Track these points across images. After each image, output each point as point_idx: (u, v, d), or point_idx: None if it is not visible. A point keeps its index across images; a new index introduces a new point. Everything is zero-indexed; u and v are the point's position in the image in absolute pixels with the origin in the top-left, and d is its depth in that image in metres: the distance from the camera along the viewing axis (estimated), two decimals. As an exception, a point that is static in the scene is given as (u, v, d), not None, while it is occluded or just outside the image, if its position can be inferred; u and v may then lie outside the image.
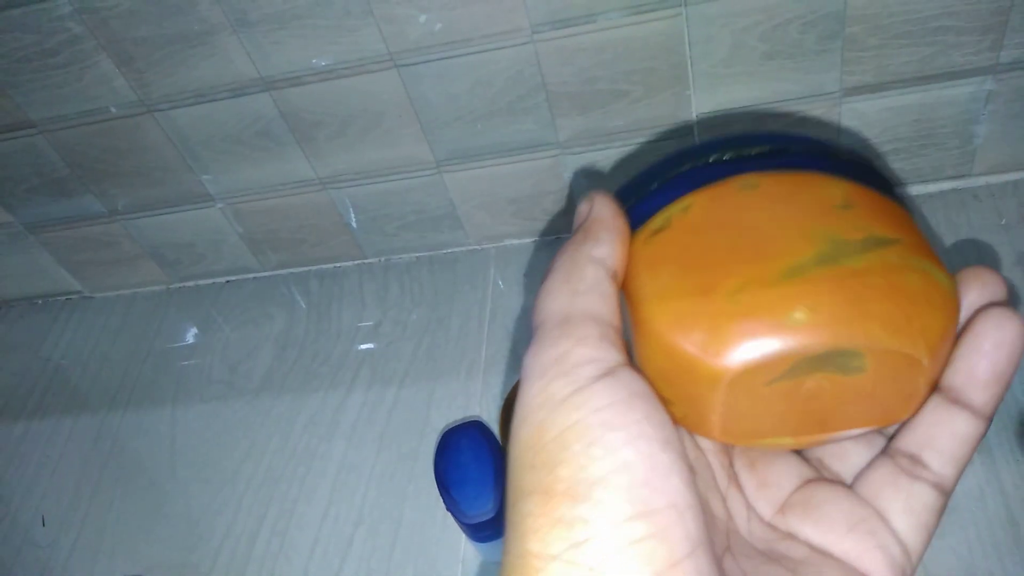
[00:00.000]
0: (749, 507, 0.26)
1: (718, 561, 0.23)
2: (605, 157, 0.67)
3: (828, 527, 0.25)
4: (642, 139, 0.65)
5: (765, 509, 0.26)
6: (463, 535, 0.59)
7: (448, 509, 0.53)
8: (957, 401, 0.24)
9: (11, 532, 0.71)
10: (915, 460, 0.25)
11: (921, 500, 0.25)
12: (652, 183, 0.26)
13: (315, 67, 0.63)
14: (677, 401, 0.24)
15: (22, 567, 0.68)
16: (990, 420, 0.24)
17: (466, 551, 0.59)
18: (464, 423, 0.56)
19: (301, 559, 0.62)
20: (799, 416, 0.24)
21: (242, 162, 0.71)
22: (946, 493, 0.25)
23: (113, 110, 0.68)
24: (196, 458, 0.70)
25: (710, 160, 0.26)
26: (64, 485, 0.72)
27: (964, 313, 0.24)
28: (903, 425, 0.25)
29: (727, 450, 0.27)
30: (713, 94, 0.62)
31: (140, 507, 0.69)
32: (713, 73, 0.61)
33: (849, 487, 0.26)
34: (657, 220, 0.25)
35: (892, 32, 0.57)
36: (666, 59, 0.60)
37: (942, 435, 0.24)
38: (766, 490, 0.26)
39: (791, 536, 0.25)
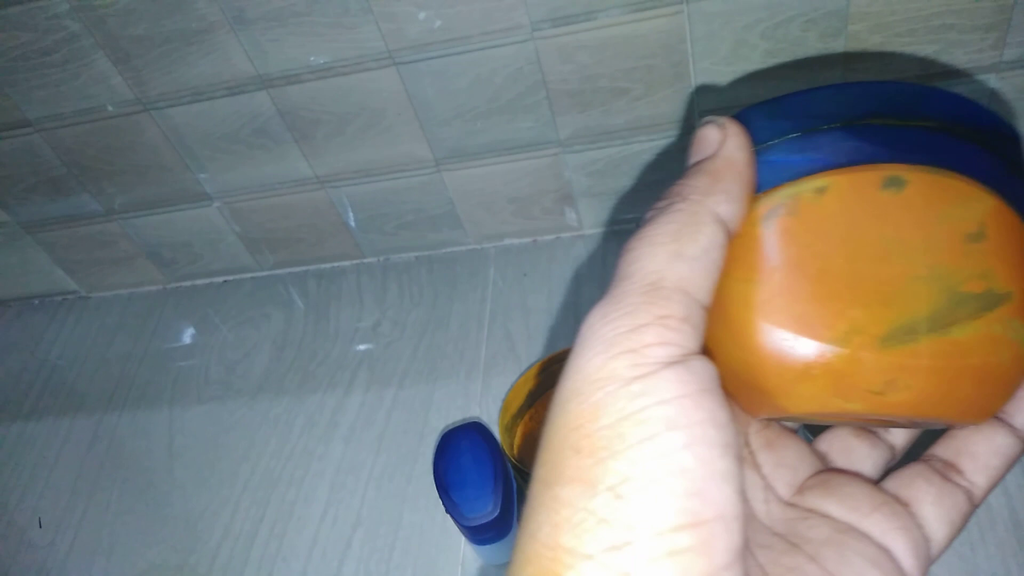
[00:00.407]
0: (767, 488, 0.25)
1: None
2: (606, 155, 0.67)
3: (852, 505, 0.24)
4: (643, 138, 0.65)
5: (783, 490, 0.25)
6: (462, 537, 0.58)
7: (447, 511, 0.53)
8: (1000, 418, 0.24)
9: (8, 533, 0.70)
10: (950, 465, 0.25)
11: (952, 497, 0.24)
12: (790, 128, 0.23)
13: (313, 65, 0.63)
14: (730, 386, 0.23)
15: (19, 568, 0.68)
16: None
17: (465, 553, 0.59)
18: (464, 424, 0.56)
19: (299, 561, 0.62)
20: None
21: (239, 161, 0.71)
22: (974, 502, 0.25)
23: (110, 108, 0.68)
24: (194, 459, 0.70)
25: (866, 121, 0.22)
26: (61, 486, 0.72)
27: None
28: (944, 434, 0.25)
29: (744, 430, 0.26)
30: (714, 92, 0.62)
31: (137, 508, 0.69)
32: (714, 71, 0.60)
33: (865, 479, 0.26)
34: (784, 192, 0.22)
35: (895, 30, 0.57)
36: (667, 57, 0.60)
37: (980, 445, 0.24)
38: (783, 470, 0.25)
39: (813, 513, 0.24)
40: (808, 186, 0.22)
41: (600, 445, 0.19)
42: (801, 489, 0.25)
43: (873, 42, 0.58)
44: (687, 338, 0.20)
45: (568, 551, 0.19)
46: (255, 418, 0.71)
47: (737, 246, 0.22)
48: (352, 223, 0.76)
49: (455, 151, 0.68)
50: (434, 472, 0.54)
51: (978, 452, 0.24)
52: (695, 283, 0.21)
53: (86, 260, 0.83)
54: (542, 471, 0.20)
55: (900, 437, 0.27)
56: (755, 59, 0.59)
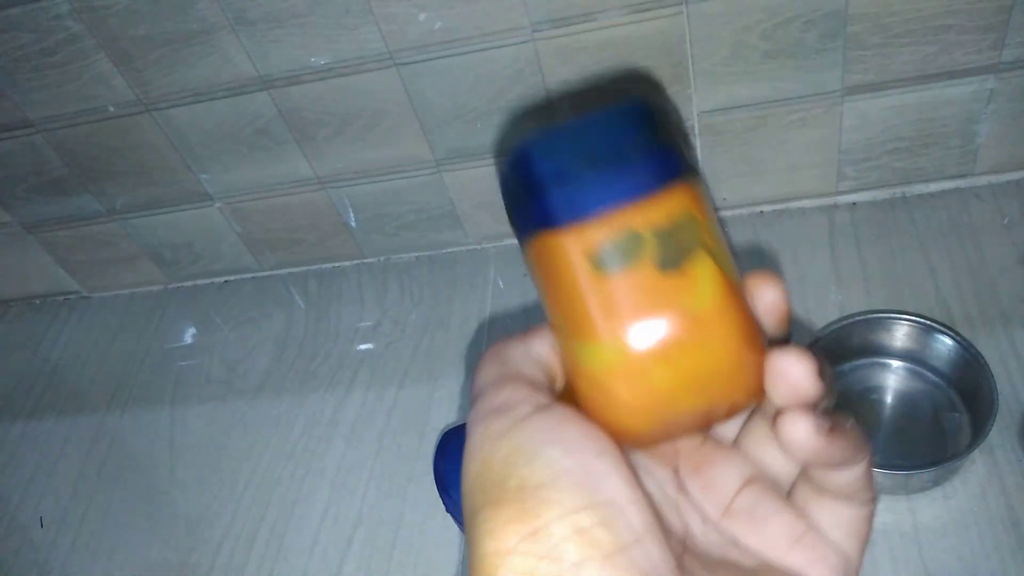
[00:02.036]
0: (701, 513, 0.28)
1: (676, 554, 0.24)
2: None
3: (773, 543, 0.26)
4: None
5: (712, 512, 0.27)
6: (462, 536, 0.58)
7: (447, 510, 0.53)
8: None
9: (9, 533, 0.70)
10: (823, 489, 0.26)
11: (846, 513, 0.26)
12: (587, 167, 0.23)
13: (314, 66, 0.63)
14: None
15: (21, 567, 0.68)
16: (868, 458, 0.25)
17: (465, 552, 0.59)
18: (463, 424, 0.56)
19: (300, 559, 0.62)
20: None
21: (241, 161, 0.71)
22: (868, 504, 0.26)
23: (111, 109, 0.68)
24: (195, 458, 0.70)
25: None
26: (62, 486, 0.72)
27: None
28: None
29: (671, 461, 0.28)
30: (714, 93, 0.62)
31: (139, 508, 0.69)
32: (714, 72, 0.61)
33: (787, 497, 0.27)
34: (608, 239, 0.23)
35: (894, 31, 0.57)
36: (667, 58, 0.60)
37: (827, 483, 0.25)
38: (710, 493, 0.28)
39: (737, 543, 0.27)
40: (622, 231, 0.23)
41: (497, 477, 0.23)
42: (728, 511, 0.27)
43: (872, 43, 0.58)
44: (541, 396, 0.25)
45: (493, 553, 0.22)
46: (256, 417, 0.71)
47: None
48: (353, 223, 0.76)
49: (455, 151, 0.68)
50: (434, 471, 0.54)
51: (839, 480, 0.25)
52: (530, 372, 0.26)
53: (88, 260, 0.83)
54: (466, 517, 0.24)
55: None
56: (755, 60, 0.59)
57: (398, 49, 0.61)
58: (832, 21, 0.57)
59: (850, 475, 0.25)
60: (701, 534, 0.27)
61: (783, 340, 0.25)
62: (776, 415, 0.23)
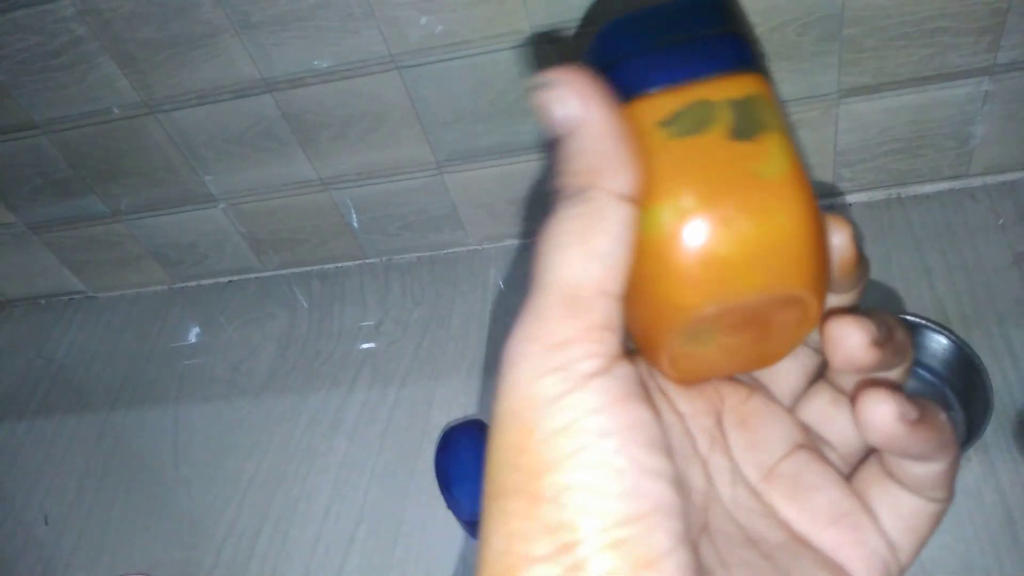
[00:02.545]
0: (735, 469, 0.26)
1: (695, 549, 0.22)
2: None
3: (812, 515, 0.24)
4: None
5: (752, 473, 0.25)
6: (464, 533, 0.59)
7: (449, 507, 0.53)
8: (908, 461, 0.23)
9: (14, 531, 0.71)
10: (892, 475, 0.24)
11: (910, 505, 0.24)
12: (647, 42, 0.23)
13: (317, 69, 0.63)
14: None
15: (25, 565, 0.68)
16: (952, 457, 0.23)
17: (467, 549, 0.59)
18: (465, 422, 0.56)
19: (303, 557, 0.62)
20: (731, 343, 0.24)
21: (244, 163, 0.71)
22: (940, 502, 0.24)
23: (116, 111, 0.68)
24: (198, 457, 0.71)
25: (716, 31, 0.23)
26: (67, 484, 0.73)
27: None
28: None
29: (714, 410, 0.26)
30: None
31: (143, 505, 0.69)
32: (712, 74, 0.61)
33: (840, 476, 0.25)
34: (681, 102, 0.22)
35: (889, 33, 0.57)
36: (665, 60, 0.60)
37: (908, 475, 0.24)
38: (755, 452, 0.26)
39: (773, 513, 0.25)
40: (697, 95, 0.22)
41: (537, 460, 0.20)
42: (771, 474, 0.25)
43: (868, 45, 0.58)
44: (609, 345, 0.21)
45: (521, 556, 0.20)
46: (260, 416, 0.72)
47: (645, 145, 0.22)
48: (355, 224, 0.76)
49: (457, 153, 0.69)
50: (436, 469, 0.54)
51: (914, 474, 0.23)
52: (611, 280, 0.21)
53: (93, 261, 0.84)
54: (490, 486, 0.21)
55: None
56: (752, 62, 0.60)
57: (400, 52, 0.62)
58: (828, 24, 0.57)
59: (929, 470, 0.23)
60: (729, 495, 0.25)
61: (850, 308, 0.25)
62: (856, 390, 0.22)
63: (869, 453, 0.26)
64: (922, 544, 0.24)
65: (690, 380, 0.26)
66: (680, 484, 0.21)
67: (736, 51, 0.23)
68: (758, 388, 0.27)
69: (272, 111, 0.67)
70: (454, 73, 0.62)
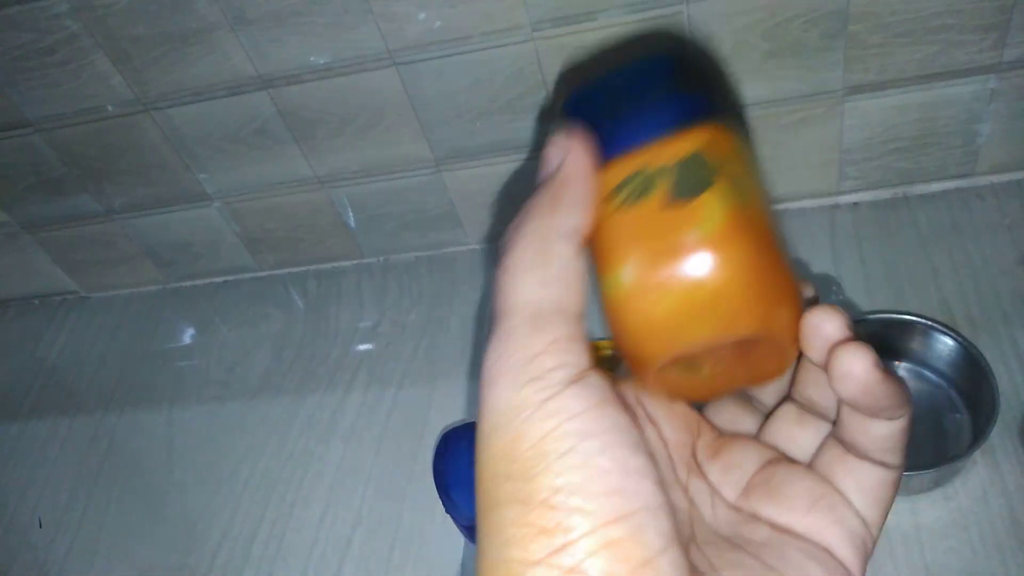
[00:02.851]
0: (714, 493, 0.27)
1: (686, 550, 0.24)
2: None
3: (789, 506, 0.26)
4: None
5: (730, 492, 0.27)
6: (462, 537, 0.58)
7: (447, 511, 0.53)
8: (869, 416, 0.25)
9: (8, 534, 0.70)
10: (855, 450, 0.26)
11: (872, 476, 0.25)
12: (625, 103, 0.25)
13: (313, 65, 0.63)
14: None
15: (19, 568, 0.68)
16: (907, 414, 0.24)
17: (465, 553, 0.59)
18: (463, 424, 0.56)
19: (299, 561, 0.62)
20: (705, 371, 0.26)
21: (240, 161, 0.71)
22: (895, 469, 0.25)
23: (110, 108, 0.68)
24: (193, 459, 0.70)
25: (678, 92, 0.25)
26: (61, 486, 0.72)
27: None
28: (837, 419, 0.26)
29: (690, 442, 0.28)
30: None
31: (137, 509, 0.69)
32: (714, 71, 0.60)
33: (807, 467, 0.27)
34: (632, 172, 0.24)
35: (895, 30, 0.57)
36: (667, 57, 0.60)
37: (867, 437, 0.25)
38: (730, 473, 0.27)
39: (755, 517, 0.26)
40: (649, 158, 0.24)
41: (526, 468, 0.21)
42: (747, 489, 0.27)
43: (873, 42, 0.58)
44: (578, 355, 0.22)
45: (519, 561, 0.21)
46: (255, 418, 0.71)
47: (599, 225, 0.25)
48: (352, 223, 0.76)
49: (455, 151, 0.68)
50: (434, 472, 0.54)
51: (867, 442, 0.25)
52: (567, 300, 0.23)
53: (86, 260, 0.83)
54: (481, 500, 0.22)
55: (833, 409, 0.28)
56: (755, 59, 0.59)
57: (397, 48, 0.61)
58: (833, 20, 0.57)
59: (888, 429, 0.24)
60: (711, 515, 0.27)
61: (811, 301, 0.26)
62: (832, 348, 0.23)
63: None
64: (886, 514, 0.26)
65: (680, 398, 0.28)
66: (664, 486, 0.22)
67: (680, 109, 0.25)
68: (724, 431, 0.29)
69: (268, 108, 0.66)
70: (453, 69, 0.62)
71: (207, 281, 0.84)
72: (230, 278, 0.83)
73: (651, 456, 0.22)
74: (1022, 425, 0.54)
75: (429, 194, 0.72)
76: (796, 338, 0.24)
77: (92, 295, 0.87)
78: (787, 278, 0.24)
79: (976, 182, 0.67)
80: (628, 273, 0.24)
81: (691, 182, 0.23)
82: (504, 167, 0.69)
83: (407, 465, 0.64)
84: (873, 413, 0.24)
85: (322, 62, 0.63)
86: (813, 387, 0.27)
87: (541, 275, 0.23)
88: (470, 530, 0.52)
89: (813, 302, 0.26)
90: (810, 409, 0.28)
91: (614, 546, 0.20)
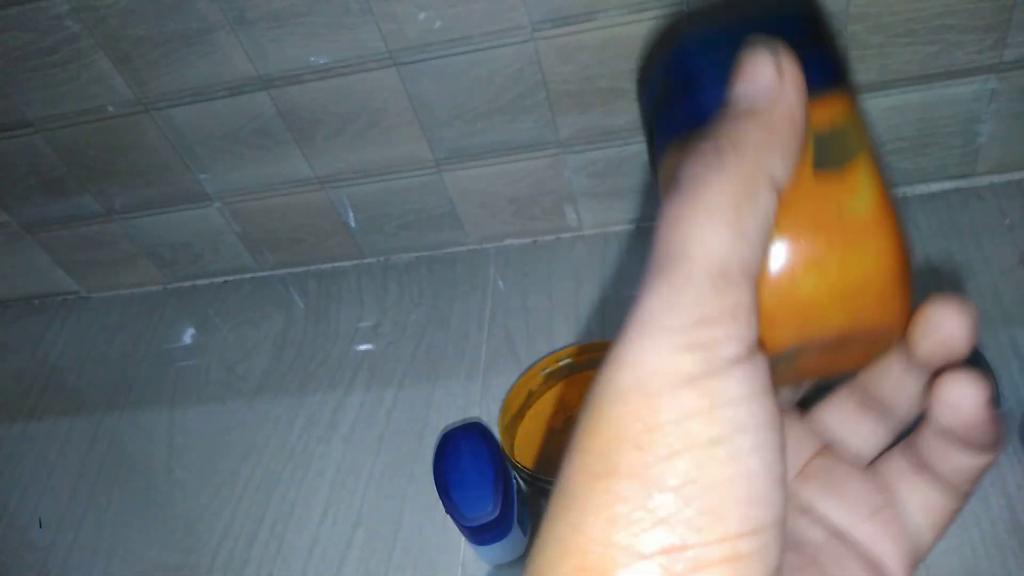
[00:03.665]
0: None
1: None
2: (606, 156, 0.67)
3: (848, 507, 0.24)
4: (643, 138, 0.65)
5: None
6: (463, 538, 0.58)
7: (447, 511, 0.53)
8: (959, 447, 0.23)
9: (8, 533, 0.70)
10: (928, 469, 0.24)
11: (937, 500, 0.24)
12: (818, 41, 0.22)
13: (313, 65, 0.63)
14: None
15: (20, 568, 0.68)
16: (995, 450, 0.23)
17: (466, 554, 0.59)
18: (464, 424, 0.56)
19: (299, 561, 0.62)
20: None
21: (240, 161, 0.71)
22: (962, 499, 0.24)
23: (111, 109, 0.68)
24: (194, 459, 0.70)
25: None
26: (61, 486, 0.72)
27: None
28: (915, 434, 0.25)
29: None
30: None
31: (137, 508, 0.69)
32: (714, 71, 0.60)
33: (869, 469, 0.25)
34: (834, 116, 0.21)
35: (894, 31, 0.57)
36: (667, 57, 0.60)
37: (949, 464, 0.23)
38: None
39: (809, 511, 0.25)
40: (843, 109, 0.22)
41: (663, 443, 0.18)
42: (804, 473, 0.25)
43: (873, 43, 0.58)
44: (752, 329, 0.19)
45: (623, 548, 0.18)
46: (255, 418, 0.71)
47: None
48: (352, 223, 0.76)
49: (455, 151, 0.68)
50: (434, 472, 0.54)
51: (953, 465, 0.23)
52: (757, 265, 0.19)
53: (86, 260, 0.83)
54: (590, 460, 0.19)
55: (902, 409, 0.26)
56: (755, 59, 0.59)
57: (398, 48, 0.61)
58: (833, 21, 0.57)
59: (971, 462, 0.23)
60: None
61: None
62: (941, 372, 0.21)
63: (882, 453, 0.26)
64: (938, 540, 0.24)
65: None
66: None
67: (822, 70, 0.22)
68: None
69: (268, 108, 0.66)
70: (453, 69, 0.62)
71: (208, 281, 0.84)
72: (231, 278, 0.83)
73: (785, 460, 0.19)
74: (1023, 425, 0.54)
75: (429, 194, 0.72)
76: (902, 330, 0.22)
77: (93, 295, 0.87)
78: (911, 275, 0.22)
79: (976, 182, 0.67)
80: (773, 247, 0.20)
81: (841, 149, 0.21)
82: (505, 167, 0.69)
83: (407, 465, 0.64)
84: (965, 447, 0.22)
85: (322, 62, 0.63)
86: (891, 384, 0.25)
87: (741, 224, 0.19)
88: (471, 531, 0.52)
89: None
90: (874, 402, 0.25)
91: (738, 562, 0.18)
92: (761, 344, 0.20)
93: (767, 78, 0.20)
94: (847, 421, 0.26)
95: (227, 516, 0.66)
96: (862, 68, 0.59)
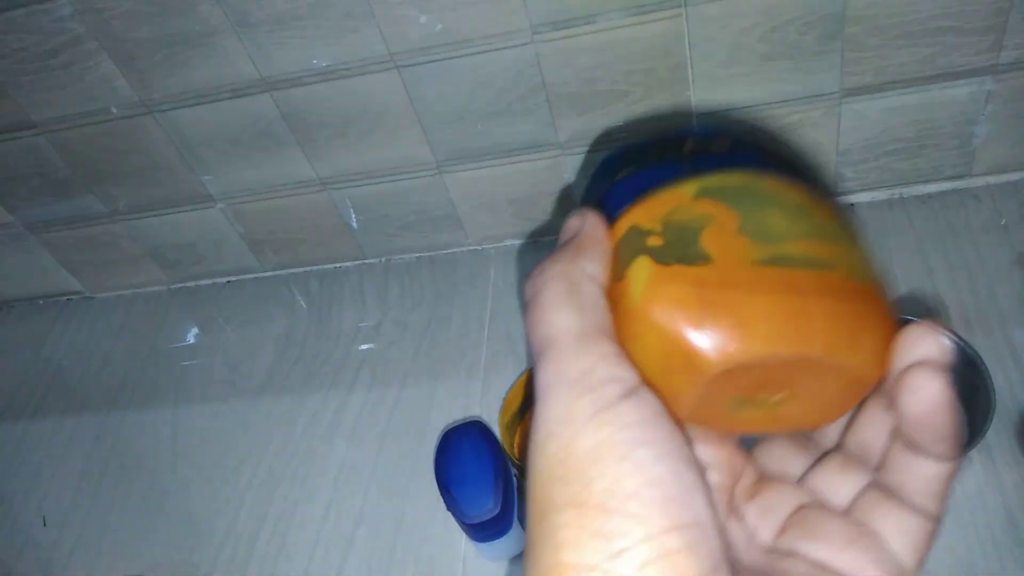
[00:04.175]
0: (750, 536, 0.27)
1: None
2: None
3: (826, 543, 0.25)
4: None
5: (766, 535, 0.27)
6: (464, 535, 0.59)
7: (449, 509, 0.53)
8: (919, 451, 0.24)
9: (13, 532, 0.71)
10: (897, 495, 0.25)
11: (910, 522, 0.25)
12: (643, 160, 0.28)
13: (316, 68, 0.63)
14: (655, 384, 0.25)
15: (24, 566, 0.68)
16: (957, 458, 0.24)
17: (467, 551, 0.59)
18: (464, 423, 0.56)
19: (302, 559, 0.62)
20: (753, 409, 0.26)
21: (243, 163, 0.71)
22: (934, 519, 0.25)
23: (114, 111, 0.68)
24: (197, 458, 0.70)
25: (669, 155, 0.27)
26: (65, 485, 0.72)
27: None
28: (881, 464, 0.26)
29: (731, 485, 0.28)
30: (713, 95, 0.62)
31: (141, 507, 0.69)
32: (713, 74, 0.61)
33: (843, 512, 0.27)
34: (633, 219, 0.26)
35: (892, 33, 0.57)
36: (666, 60, 0.60)
37: (912, 479, 0.25)
38: (766, 516, 0.27)
39: (791, 555, 0.26)
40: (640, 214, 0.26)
41: (581, 472, 0.21)
42: (783, 530, 0.27)
43: (870, 44, 0.58)
44: (628, 372, 0.23)
45: (572, 566, 0.20)
46: (258, 417, 0.71)
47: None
48: (354, 224, 0.76)
49: (456, 153, 0.68)
50: (435, 470, 0.54)
51: (915, 486, 0.25)
52: (606, 324, 0.24)
53: (90, 261, 0.83)
54: (534, 507, 0.22)
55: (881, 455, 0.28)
56: (753, 62, 0.60)
57: (399, 51, 0.61)
58: (830, 23, 0.57)
59: (934, 471, 0.24)
60: (748, 557, 0.26)
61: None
62: (905, 369, 0.23)
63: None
64: (922, 564, 0.25)
65: (739, 432, 0.28)
66: (713, 506, 0.22)
67: (627, 187, 0.27)
68: (764, 472, 0.29)
69: (271, 110, 0.66)
70: (454, 72, 0.62)
71: (211, 282, 0.84)
72: (234, 278, 0.83)
73: (703, 475, 0.22)
74: (1018, 425, 0.54)
75: (430, 195, 0.72)
76: (875, 365, 0.24)
77: (97, 295, 0.88)
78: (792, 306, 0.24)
79: (972, 183, 0.67)
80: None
81: (622, 259, 0.25)
82: (505, 169, 0.69)
83: (409, 463, 0.64)
84: (927, 445, 0.24)
85: (324, 65, 0.63)
86: (870, 427, 0.27)
87: (576, 305, 0.24)
88: (472, 528, 0.53)
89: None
90: (857, 456, 0.27)
91: (670, 557, 0.20)
92: (654, 385, 0.24)
93: (574, 224, 0.27)
94: (830, 479, 0.27)
95: (230, 514, 0.66)
96: (859, 70, 0.59)
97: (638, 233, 0.26)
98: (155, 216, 0.77)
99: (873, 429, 0.27)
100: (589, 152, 0.67)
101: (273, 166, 0.71)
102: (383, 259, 0.79)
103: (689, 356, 0.23)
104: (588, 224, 0.26)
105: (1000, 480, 0.53)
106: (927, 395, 0.22)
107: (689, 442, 0.23)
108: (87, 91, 0.67)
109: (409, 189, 0.72)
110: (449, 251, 0.78)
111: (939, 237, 0.65)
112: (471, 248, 0.77)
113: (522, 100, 0.64)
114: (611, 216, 0.27)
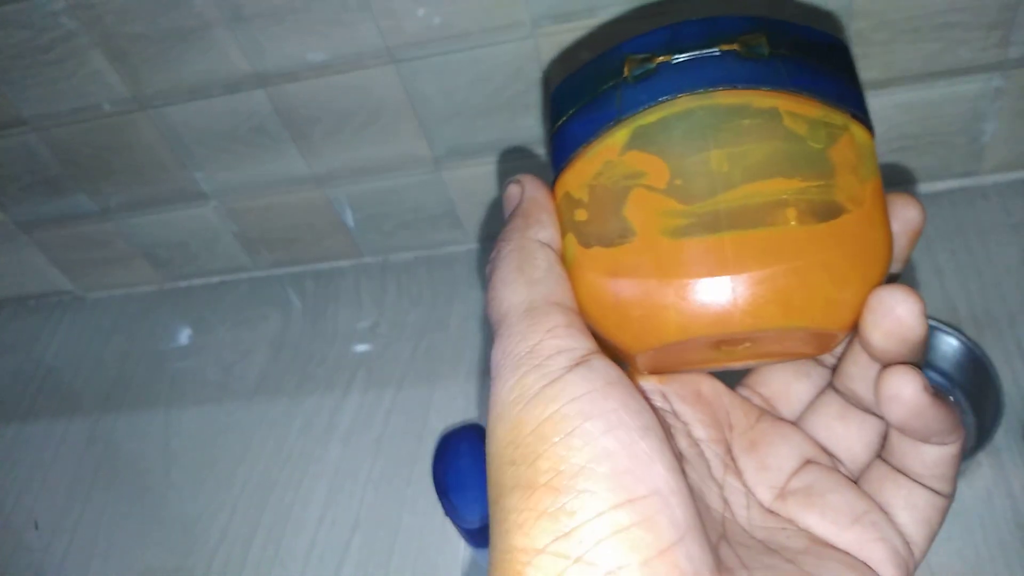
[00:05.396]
0: (748, 494, 0.26)
1: (713, 549, 0.22)
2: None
3: (832, 518, 0.25)
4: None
5: (765, 494, 0.26)
6: (462, 540, 0.58)
7: (447, 514, 0.52)
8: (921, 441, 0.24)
9: (4, 536, 0.70)
10: (903, 470, 0.25)
11: (923, 497, 0.25)
12: (580, 97, 0.26)
13: (311, 62, 0.62)
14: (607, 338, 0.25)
15: (15, 571, 0.67)
16: (961, 441, 0.24)
17: (465, 556, 0.58)
18: (463, 426, 0.56)
19: (297, 564, 0.61)
20: (725, 355, 0.25)
21: (236, 160, 0.70)
22: (945, 495, 0.25)
23: (106, 107, 0.67)
24: (190, 461, 0.70)
25: (634, 75, 0.25)
26: (57, 488, 0.72)
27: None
28: (885, 441, 0.26)
29: (724, 437, 0.27)
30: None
31: (134, 511, 0.68)
32: (716, 69, 0.60)
33: (849, 478, 0.26)
34: (586, 164, 0.25)
35: (899, 28, 0.57)
36: (669, 55, 0.59)
37: (917, 462, 0.24)
38: (766, 473, 0.26)
39: (792, 523, 0.25)
40: (605, 146, 0.25)
41: (528, 452, 0.21)
42: (784, 493, 0.26)
43: (877, 40, 0.57)
44: (578, 341, 0.23)
45: (522, 550, 0.20)
46: (252, 420, 0.71)
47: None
48: (350, 222, 0.75)
49: (455, 150, 0.68)
50: (433, 475, 0.54)
51: (923, 461, 0.24)
52: (558, 295, 0.24)
53: (82, 260, 0.83)
54: (490, 493, 0.22)
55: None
56: (758, 57, 0.59)
57: (396, 45, 0.61)
58: (837, 19, 0.56)
59: (939, 454, 0.24)
60: (745, 518, 0.25)
61: (891, 277, 0.25)
62: (882, 369, 0.22)
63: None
64: (933, 538, 0.25)
65: (714, 367, 0.27)
66: (680, 473, 0.21)
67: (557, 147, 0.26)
68: (765, 411, 0.28)
69: (265, 106, 0.66)
70: (452, 66, 0.62)
71: (204, 281, 0.83)
72: (227, 278, 0.83)
73: (666, 442, 0.22)
74: (1028, 426, 0.54)
75: (428, 193, 0.72)
76: (835, 321, 0.23)
77: (88, 295, 0.87)
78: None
79: (981, 181, 0.66)
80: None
81: (564, 226, 0.25)
82: (505, 166, 0.69)
83: (406, 467, 0.64)
84: (923, 437, 0.23)
85: (320, 59, 0.62)
86: (860, 381, 0.26)
87: (528, 277, 0.24)
88: (470, 533, 0.52)
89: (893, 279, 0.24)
90: (855, 403, 0.26)
91: (624, 533, 0.20)
92: (613, 349, 0.24)
93: (514, 192, 0.26)
94: (831, 426, 0.27)
95: (224, 518, 0.65)
96: (866, 65, 0.59)
97: (570, 202, 0.25)
98: (147, 214, 0.77)
99: (864, 382, 0.26)
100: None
101: (267, 163, 0.70)
102: (380, 258, 0.79)
103: (611, 341, 0.24)
104: (528, 189, 0.26)
105: (1008, 482, 0.52)
106: (906, 401, 0.22)
107: (650, 407, 0.22)
108: (79, 87, 0.66)
109: (406, 186, 0.71)
110: (447, 250, 0.77)
111: (947, 236, 0.64)
112: (470, 247, 0.77)
113: (522, 95, 0.63)
114: (557, 168, 0.26)
